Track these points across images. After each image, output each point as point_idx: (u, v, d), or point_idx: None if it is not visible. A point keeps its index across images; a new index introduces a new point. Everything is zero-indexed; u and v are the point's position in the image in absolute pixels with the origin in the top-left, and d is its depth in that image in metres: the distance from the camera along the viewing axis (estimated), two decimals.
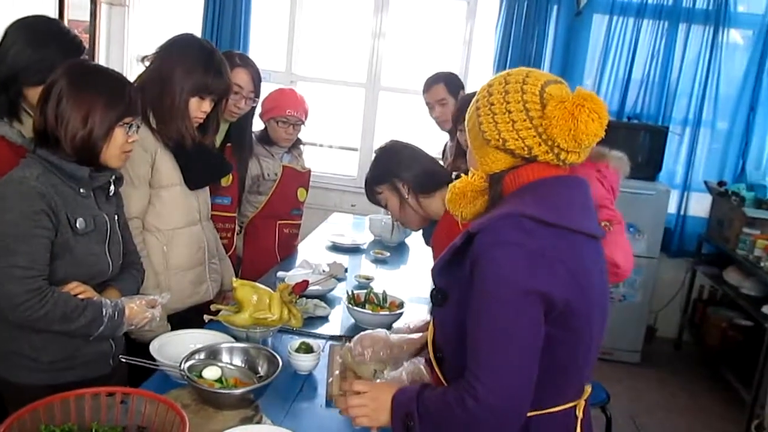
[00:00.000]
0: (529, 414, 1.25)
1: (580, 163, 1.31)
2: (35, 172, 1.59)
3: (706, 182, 4.71)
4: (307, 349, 1.92)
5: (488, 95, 1.30)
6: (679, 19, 4.62)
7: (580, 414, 1.33)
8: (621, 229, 2.12)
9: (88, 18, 5.04)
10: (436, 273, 1.36)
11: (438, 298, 1.35)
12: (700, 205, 4.86)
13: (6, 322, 1.60)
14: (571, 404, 1.32)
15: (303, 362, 1.90)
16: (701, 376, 4.56)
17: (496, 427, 1.20)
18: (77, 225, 1.63)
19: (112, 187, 1.76)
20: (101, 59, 5.11)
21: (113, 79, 1.70)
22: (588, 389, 1.35)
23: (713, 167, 4.81)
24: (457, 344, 1.27)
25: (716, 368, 4.41)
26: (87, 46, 5.00)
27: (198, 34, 4.74)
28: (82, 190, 1.66)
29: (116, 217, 1.80)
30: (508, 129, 1.26)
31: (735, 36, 4.71)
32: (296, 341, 1.96)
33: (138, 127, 1.73)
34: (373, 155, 2.21)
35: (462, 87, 3.44)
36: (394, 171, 2.09)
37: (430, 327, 1.45)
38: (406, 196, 2.08)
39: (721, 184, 4.59)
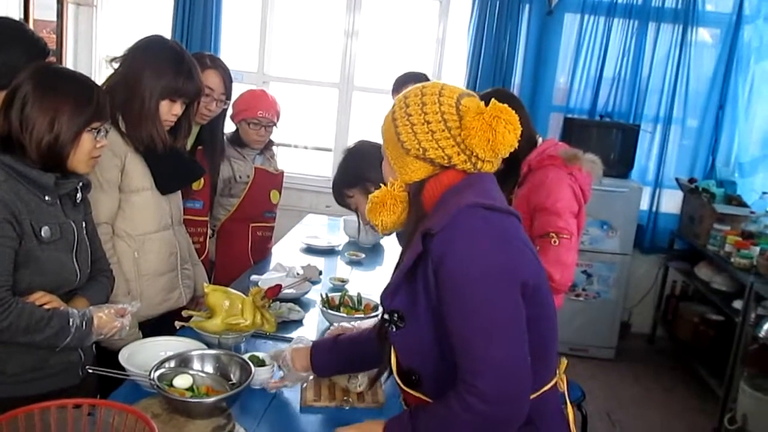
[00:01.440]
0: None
1: (493, 171, 1.36)
2: None
3: (677, 179, 4.77)
4: (260, 362, 1.83)
5: (405, 107, 1.34)
6: (649, 18, 4.68)
7: (561, 386, 1.40)
8: (569, 244, 2.14)
9: (54, 18, 4.95)
10: (390, 296, 1.34)
11: (396, 321, 1.33)
12: (671, 202, 4.92)
13: None
14: (552, 382, 1.37)
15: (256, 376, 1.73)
16: (675, 370, 4.62)
17: (506, 420, 1.20)
18: (42, 233, 1.59)
19: (79, 194, 1.71)
20: (69, 61, 5.02)
21: (80, 82, 1.66)
22: (563, 362, 1.42)
23: (684, 164, 4.87)
24: (434, 358, 1.27)
25: (689, 362, 4.47)
26: (54, 47, 4.91)
27: (168, 34, 4.73)
28: (47, 198, 1.62)
29: (84, 224, 1.76)
30: (427, 139, 1.31)
31: (704, 34, 4.78)
32: (247, 354, 1.87)
33: (107, 131, 1.70)
34: (342, 157, 2.15)
35: None
36: (364, 173, 2.04)
37: (393, 355, 1.40)
38: None
39: (691, 180, 4.65)
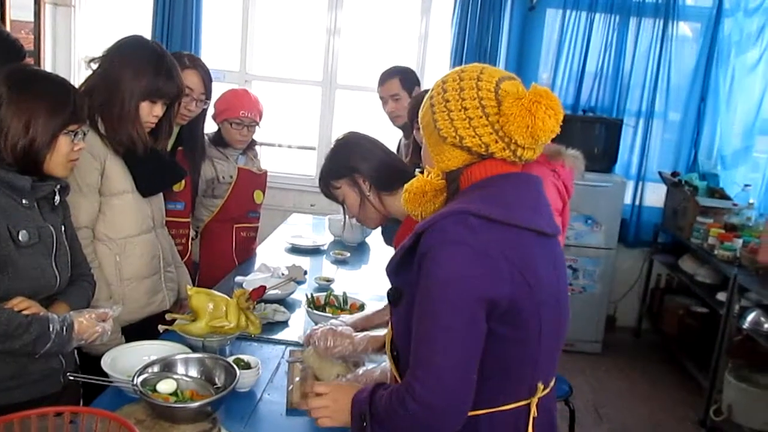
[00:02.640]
0: (478, 412, 1.26)
1: (534, 158, 1.32)
2: None
3: (660, 173, 4.79)
4: (245, 365, 1.81)
5: (443, 92, 1.29)
6: (630, 13, 4.70)
7: (534, 412, 1.32)
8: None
9: (32, 18, 4.88)
10: (390, 272, 1.36)
11: (394, 296, 1.35)
12: (655, 196, 4.95)
13: None
14: (522, 402, 1.31)
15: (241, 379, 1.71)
16: (661, 363, 4.65)
17: (436, 427, 1.21)
18: (20, 238, 1.56)
19: (57, 197, 1.68)
20: (47, 62, 4.96)
21: (56, 84, 1.63)
22: (541, 387, 1.33)
23: (667, 158, 4.90)
24: (409, 343, 1.27)
25: (675, 355, 4.50)
26: (32, 48, 4.85)
27: (148, 34, 4.70)
28: (24, 201, 1.59)
29: (63, 228, 1.73)
30: (464, 126, 1.26)
31: (684, 28, 4.80)
32: (232, 357, 1.85)
33: (84, 134, 1.67)
34: (331, 147, 2.06)
35: (418, 83, 3.42)
36: (353, 164, 1.95)
37: (389, 325, 1.44)
38: (367, 193, 1.95)
39: (674, 174, 4.68)
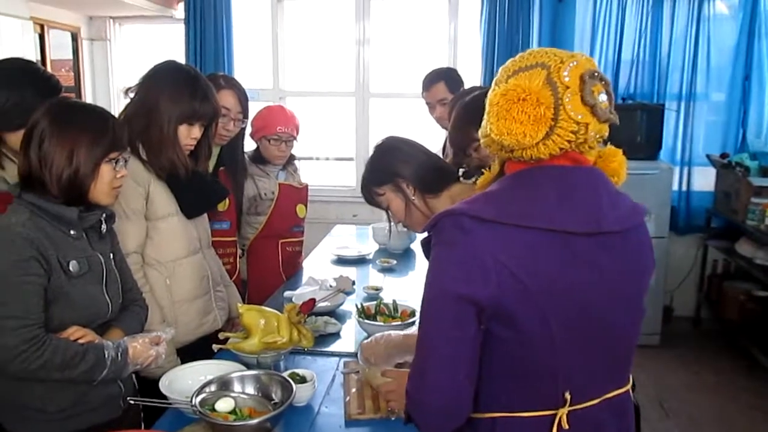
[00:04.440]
0: (494, 415, 1.23)
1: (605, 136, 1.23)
2: (22, 217, 1.54)
3: (708, 156, 4.66)
4: (301, 379, 1.80)
5: (495, 85, 1.24)
6: None
7: (563, 424, 1.21)
8: None
9: (71, 56, 5.03)
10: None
11: None
12: (704, 180, 4.81)
13: (5, 375, 1.55)
14: (546, 412, 1.21)
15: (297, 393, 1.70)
16: (723, 351, 4.50)
17: (430, 425, 1.21)
18: (70, 268, 1.58)
19: (104, 226, 1.71)
20: (87, 95, 5.11)
21: (95, 114, 1.65)
22: (569, 399, 1.21)
23: (713, 140, 4.76)
24: None
25: (737, 342, 4.35)
26: (73, 83, 4.99)
27: (181, 60, 4.77)
28: (72, 232, 1.61)
29: (111, 255, 1.76)
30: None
31: (721, 6, 4.66)
32: (287, 372, 1.84)
33: (126, 161, 1.69)
34: (371, 153, 2.01)
35: (462, 82, 3.38)
36: (395, 169, 1.89)
37: None
38: (412, 197, 1.89)
39: (723, 156, 4.54)
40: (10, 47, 3.75)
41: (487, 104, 1.21)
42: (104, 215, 1.69)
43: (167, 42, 5.23)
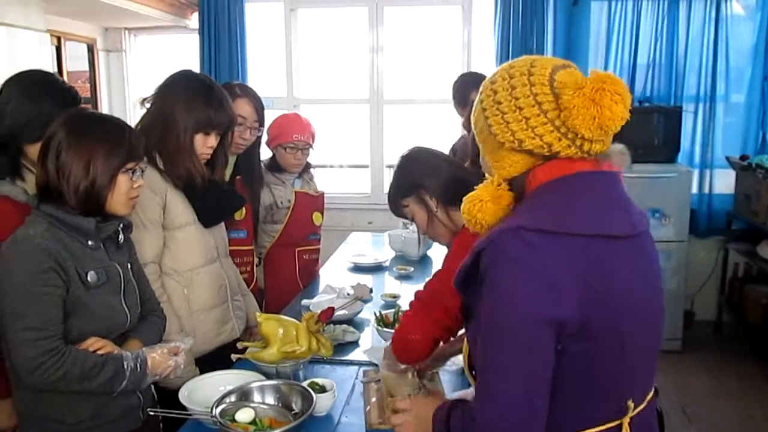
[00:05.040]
0: None
1: (605, 151, 1.22)
2: (40, 229, 1.54)
3: (727, 158, 4.60)
4: (321, 388, 1.79)
5: (493, 93, 1.19)
6: None
7: None
8: None
9: (87, 68, 5.07)
10: (458, 287, 1.26)
11: (466, 312, 1.27)
12: (724, 182, 4.74)
13: (25, 387, 1.55)
14: (612, 424, 1.19)
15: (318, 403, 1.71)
16: (746, 356, 4.43)
17: None
18: (89, 279, 1.58)
19: (121, 236, 1.70)
20: (104, 106, 5.14)
21: (111, 125, 1.65)
22: (632, 407, 1.20)
23: (733, 142, 4.70)
24: None
25: (761, 347, 4.29)
26: (89, 94, 5.03)
27: (196, 70, 4.80)
28: (90, 242, 1.61)
29: (129, 266, 1.75)
30: (522, 128, 1.15)
31: (738, 7, 4.61)
32: (307, 381, 1.83)
33: (142, 171, 1.69)
34: (396, 165, 2.01)
35: None
36: (419, 181, 1.89)
37: (465, 343, 1.36)
38: (435, 209, 1.88)
39: (743, 158, 4.47)
40: (27, 59, 3.78)
41: (549, 105, 1.14)
42: (121, 225, 1.69)
43: (182, 52, 5.26)
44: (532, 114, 1.15)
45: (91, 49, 5.08)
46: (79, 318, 1.57)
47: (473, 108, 1.27)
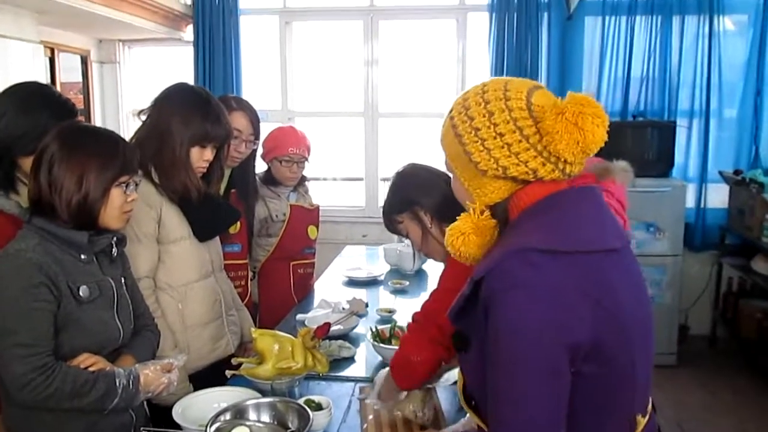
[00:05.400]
0: None
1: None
2: (31, 243, 1.52)
3: (721, 172, 4.61)
4: (317, 406, 1.76)
5: (469, 119, 1.15)
6: (672, 12, 4.57)
7: None
8: None
9: (80, 79, 5.05)
10: (453, 317, 1.22)
11: (460, 342, 1.23)
12: (717, 196, 4.76)
13: (15, 404, 1.51)
14: None
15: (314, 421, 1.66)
16: (741, 371, 4.42)
17: None
18: (81, 293, 1.55)
19: (114, 249, 1.68)
20: (97, 118, 5.12)
21: (105, 138, 1.63)
22: (641, 421, 1.19)
23: (726, 156, 4.71)
24: (485, 393, 1.15)
25: (756, 361, 4.28)
26: (82, 106, 5.00)
27: (191, 82, 4.79)
28: (83, 256, 1.59)
29: (123, 280, 1.72)
30: (505, 155, 1.12)
31: (731, 22, 4.64)
32: (303, 398, 1.81)
33: (136, 185, 1.66)
34: (391, 181, 2.00)
35: None
36: (413, 198, 1.87)
37: (459, 375, 1.33)
38: (429, 226, 1.85)
39: (737, 172, 4.49)
40: (20, 71, 3.76)
41: (530, 131, 1.12)
42: (115, 239, 1.67)
43: (176, 64, 5.24)
44: (514, 140, 1.12)
45: (84, 61, 5.05)
46: (70, 333, 1.54)
47: (442, 133, 1.24)
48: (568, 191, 1.16)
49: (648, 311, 1.22)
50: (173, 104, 1.99)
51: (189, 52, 4.95)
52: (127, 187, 1.63)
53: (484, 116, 1.14)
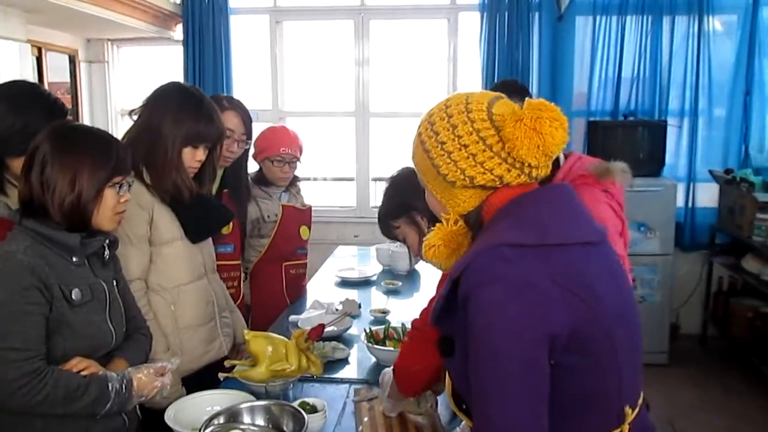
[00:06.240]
0: None
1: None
2: (22, 245, 1.49)
3: (711, 171, 4.63)
4: (312, 408, 1.74)
5: (434, 134, 1.20)
6: (663, 12, 4.59)
7: None
8: (625, 268, 1.94)
9: (68, 79, 5.00)
10: (435, 320, 1.24)
11: (445, 347, 1.23)
12: (707, 196, 4.78)
13: (5, 410, 1.48)
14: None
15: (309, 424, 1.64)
16: (732, 370, 4.44)
17: None
18: (73, 296, 1.52)
19: (107, 252, 1.65)
20: (85, 118, 5.07)
21: (98, 138, 1.61)
22: (629, 411, 1.19)
23: (716, 156, 4.74)
24: None
25: (747, 360, 4.30)
26: (70, 106, 4.95)
27: (181, 81, 4.76)
28: (74, 259, 1.56)
29: (115, 282, 1.70)
30: (470, 165, 1.16)
31: (720, 22, 4.66)
32: (297, 401, 1.78)
33: (129, 185, 1.64)
34: (386, 185, 2.01)
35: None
36: (409, 202, 1.87)
37: (447, 379, 1.33)
38: (426, 230, 1.85)
39: (728, 171, 4.51)
40: (7, 70, 3.72)
41: (492, 140, 1.15)
42: (107, 241, 1.64)
43: (166, 64, 5.20)
44: (478, 150, 1.16)
45: (72, 60, 5.00)
46: (62, 336, 1.51)
47: (412, 150, 1.28)
48: (537, 190, 1.20)
49: (629, 302, 1.24)
50: (165, 104, 1.97)
51: (179, 51, 4.91)
52: (120, 187, 1.60)
53: (448, 129, 1.18)
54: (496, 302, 1.08)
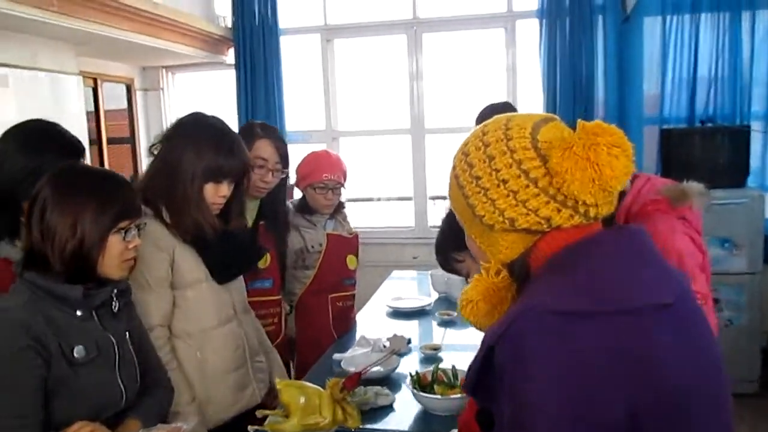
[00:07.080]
0: None
1: (612, 212, 1.00)
2: (21, 300, 1.38)
3: None
4: None
5: (469, 167, 1.01)
6: (741, 7, 4.21)
7: None
8: (707, 309, 1.63)
9: (125, 106, 5.05)
10: (471, 391, 1.03)
11: (484, 420, 1.03)
12: None
13: None
14: None
15: None
16: None
17: None
18: (75, 354, 1.40)
19: (115, 303, 1.52)
20: (142, 144, 5.11)
21: (103, 179, 1.49)
22: None
23: None
24: None
25: None
26: (128, 134, 5.00)
27: (233, 106, 4.74)
28: (78, 313, 1.44)
29: (127, 334, 1.57)
30: (511, 204, 0.97)
31: None
32: None
33: (139, 229, 1.51)
34: (446, 212, 1.79)
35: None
36: None
37: None
38: None
39: None
40: (64, 102, 3.78)
41: (538, 172, 0.96)
42: (116, 291, 1.51)
43: (220, 88, 5.19)
44: (520, 186, 0.97)
45: (129, 89, 5.05)
46: (63, 399, 1.39)
47: (448, 186, 1.08)
48: (598, 235, 0.99)
49: (712, 368, 0.98)
50: (184, 137, 1.85)
51: (231, 75, 4.89)
52: (126, 233, 1.47)
53: (484, 161, 0.99)
54: (543, 384, 0.88)
